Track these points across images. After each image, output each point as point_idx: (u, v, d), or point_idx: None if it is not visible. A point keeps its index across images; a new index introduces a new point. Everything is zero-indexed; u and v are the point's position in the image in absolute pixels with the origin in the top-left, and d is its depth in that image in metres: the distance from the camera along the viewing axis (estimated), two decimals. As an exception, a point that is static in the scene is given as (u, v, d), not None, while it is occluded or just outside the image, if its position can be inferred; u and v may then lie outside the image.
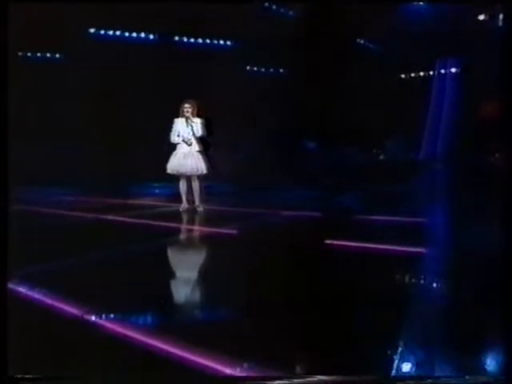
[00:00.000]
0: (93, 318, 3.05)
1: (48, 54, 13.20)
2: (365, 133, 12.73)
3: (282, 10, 13.48)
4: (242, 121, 11.61)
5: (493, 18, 12.55)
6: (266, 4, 13.14)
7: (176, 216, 7.23)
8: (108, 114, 11.71)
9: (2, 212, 2.61)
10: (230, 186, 10.50)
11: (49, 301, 3.33)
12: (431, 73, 14.39)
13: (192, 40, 13.68)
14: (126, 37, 13.28)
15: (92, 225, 6.65)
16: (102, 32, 13.02)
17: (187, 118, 7.44)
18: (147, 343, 2.69)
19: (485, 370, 2.47)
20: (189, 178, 7.53)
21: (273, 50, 12.29)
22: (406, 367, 2.49)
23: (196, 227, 6.90)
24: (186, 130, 7.43)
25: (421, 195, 10.08)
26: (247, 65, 13.99)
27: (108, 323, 3.02)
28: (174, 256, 5.29)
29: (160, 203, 8.73)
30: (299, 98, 12.53)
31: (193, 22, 12.22)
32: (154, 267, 4.54)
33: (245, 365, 2.42)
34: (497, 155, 11.16)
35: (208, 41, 13.74)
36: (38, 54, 13.02)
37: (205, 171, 7.48)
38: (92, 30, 12.90)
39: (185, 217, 7.32)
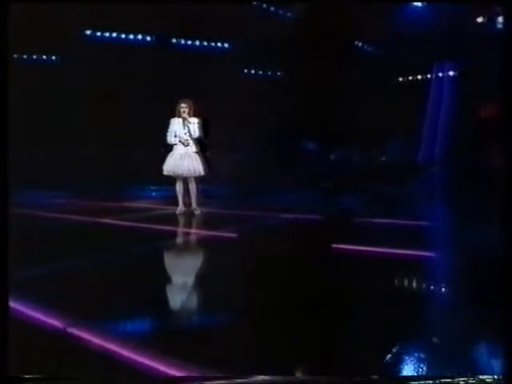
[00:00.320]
0: (82, 327, 2.90)
1: (44, 56, 13.18)
2: (364, 135, 12.70)
3: (280, 12, 13.52)
4: (241, 122, 11.56)
5: (491, 20, 12.60)
6: (264, 5, 13.18)
7: (172, 219, 7.06)
8: (104, 115, 11.66)
9: (2, 213, 2.63)
10: (228, 188, 10.33)
11: (38, 308, 3.20)
12: (430, 75, 14.42)
13: (190, 42, 13.72)
14: (124, 38, 13.19)
15: (86, 228, 6.47)
16: (99, 34, 12.93)
17: (184, 119, 7.28)
18: (143, 351, 2.59)
19: (485, 370, 2.46)
20: (185, 180, 7.36)
21: (272, 52, 12.21)
22: (407, 367, 2.49)
23: (193, 230, 6.70)
24: (183, 130, 7.28)
25: (421, 197, 9.92)
26: (246, 66, 13.96)
27: (102, 330, 2.93)
28: (170, 261, 5.09)
29: (156, 206, 8.57)
30: (299, 99, 12.49)
31: (190, 24, 12.20)
32: (149, 272, 4.34)
33: (250, 371, 2.38)
34: (496, 157, 11.19)
35: (206, 42, 13.74)
36: (34, 57, 13.06)
37: (202, 173, 7.30)
38: (89, 32, 12.93)
39: (181, 220, 7.13)
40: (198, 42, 13.64)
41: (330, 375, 2.38)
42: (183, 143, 7.25)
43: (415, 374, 2.44)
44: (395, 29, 12.67)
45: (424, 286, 4.07)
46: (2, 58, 2.74)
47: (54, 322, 2.96)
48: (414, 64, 13.63)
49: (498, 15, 12.12)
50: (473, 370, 2.43)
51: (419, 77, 14.46)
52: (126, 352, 2.57)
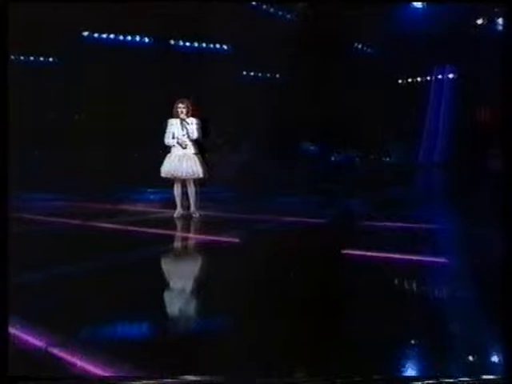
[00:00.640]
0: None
1: (42, 58, 13.16)
2: (364, 136, 12.69)
3: (280, 13, 13.47)
4: (241, 123, 11.51)
5: (491, 23, 12.58)
6: (264, 7, 13.14)
7: (170, 223, 6.82)
8: (102, 116, 11.63)
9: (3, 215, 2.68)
10: (228, 190, 10.09)
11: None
12: (430, 78, 14.44)
13: (188, 43, 13.69)
14: (123, 40, 13.20)
15: (79, 232, 6.21)
16: (97, 35, 12.99)
17: (182, 119, 7.05)
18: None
19: (486, 370, 2.47)
20: (184, 183, 7.14)
21: (272, 53, 12.17)
22: (408, 368, 2.53)
23: (192, 235, 6.43)
24: (181, 131, 7.06)
25: (423, 199, 9.75)
26: (246, 67, 13.92)
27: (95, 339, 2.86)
28: (167, 267, 4.83)
29: (153, 209, 8.34)
30: (300, 101, 12.46)
31: (189, 25, 12.18)
32: (145, 279, 4.10)
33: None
34: (496, 159, 11.14)
35: (205, 44, 13.74)
36: (31, 58, 13.02)
37: (201, 175, 7.08)
38: (86, 33, 12.91)
39: (179, 223, 6.88)
40: (196, 44, 13.63)
41: (332, 376, 2.36)
42: (181, 145, 7.03)
43: (415, 375, 2.45)
44: (396, 31, 12.67)
45: (426, 287, 4.02)
46: (1, 58, 2.72)
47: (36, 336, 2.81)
48: (415, 67, 13.68)
49: (498, 17, 12.12)
50: (473, 371, 2.43)
51: (420, 80, 14.48)
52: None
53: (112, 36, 12.96)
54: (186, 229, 6.75)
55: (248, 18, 11.81)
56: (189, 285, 4.25)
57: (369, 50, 14.24)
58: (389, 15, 12.57)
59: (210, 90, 10.33)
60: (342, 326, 3.11)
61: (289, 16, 13.45)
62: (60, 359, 2.54)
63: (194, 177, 7.09)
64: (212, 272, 4.52)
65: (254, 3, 12.72)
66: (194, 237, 6.34)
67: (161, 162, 7.13)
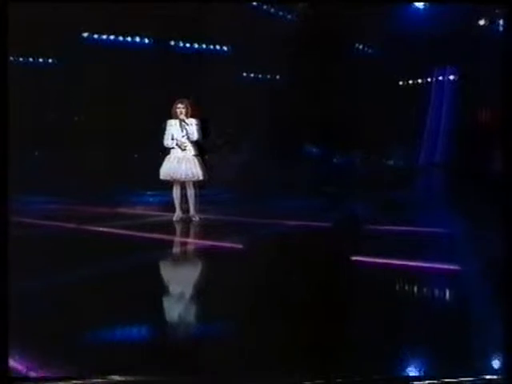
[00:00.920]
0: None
1: (41, 59, 13.02)
2: (365, 138, 12.66)
3: (280, 13, 13.42)
4: (242, 125, 11.46)
5: (492, 23, 12.57)
6: (265, 7, 13.11)
7: (169, 227, 6.64)
8: (100, 118, 11.57)
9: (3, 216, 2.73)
10: (228, 192, 9.93)
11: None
12: (431, 79, 14.43)
13: (188, 44, 13.63)
14: (122, 40, 13.01)
15: (74, 237, 6.01)
16: (97, 36, 12.92)
17: (181, 120, 6.88)
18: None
19: (485, 370, 2.48)
20: (183, 185, 6.96)
21: (273, 54, 12.07)
22: (409, 368, 2.57)
23: (191, 240, 6.22)
24: (180, 132, 6.89)
25: (428, 202, 9.62)
26: (246, 68, 13.84)
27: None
28: (166, 276, 4.62)
29: (152, 212, 8.16)
30: (300, 102, 12.42)
31: (189, 25, 12.13)
32: (142, 287, 3.90)
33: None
34: (497, 160, 11.12)
35: (205, 44, 13.64)
36: (31, 59, 12.92)
37: (201, 177, 6.91)
38: (86, 34, 12.84)
39: (179, 228, 6.70)
40: (196, 44, 13.57)
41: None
42: (180, 146, 6.87)
43: (415, 375, 2.48)
44: (397, 32, 12.67)
45: (442, 297, 4.00)
46: (1, 58, 2.75)
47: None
48: (415, 68, 13.69)
49: (499, 18, 12.11)
50: (473, 371, 2.43)
51: (421, 81, 14.49)
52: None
53: (112, 37, 12.87)
54: (186, 233, 6.56)
55: (248, 19, 11.76)
56: (189, 295, 4.03)
57: (370, 51, 14.21)
58: (390, 15, 12.57)
59: (209, 91, 10.24)
60: (360, 340, 2.96)
61: (289, 16, 13.38)
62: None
63: (193, 179, 6.91)
64: (214, 281, 4.28)
65: (254, 3, 12.70)
66: (193, 242, 6.12)
67: (160, 164, 6.96)
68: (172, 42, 13.27)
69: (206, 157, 7.32)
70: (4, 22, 2.68)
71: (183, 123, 6.90)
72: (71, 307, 3.45)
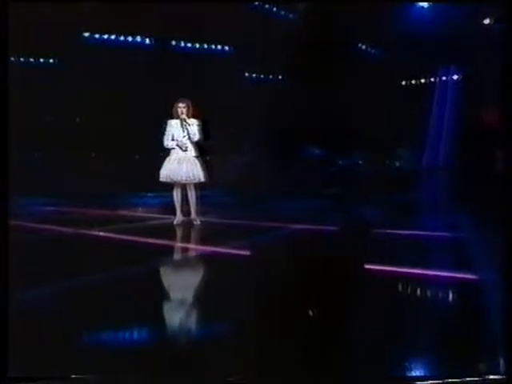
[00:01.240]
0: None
1: (41, 59, 12.87)
2: (368, 139, 12.64)
3: (282, 13, 13.37)
4: (244, 125, 11.40)
5: (496, 23, 12.53)
6: (266, 6, 13.06)
7: (169, 231, 6.43)
8: (97, 118, 11.53)
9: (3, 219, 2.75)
10: (230, 194, 9.82)
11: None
12: (434, 79, 14.41)
13: (189, 44, 13.57)
14: (123, 41, 12.89)
15: (71, 242, 5.81)
16: (98, 36, 12.85)
17: (182, 120, 6.68)
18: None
19: (485, 370, 2.51)
20: (184, 187, 6.77)
21: (275, 54, 11.98)
22: (410, 368, 2.59)
23: (193, 246, 5.99)
24: (181, 133, 6.70)
25: (438, 205, 9.52)
26: (248, 69, 13.76)
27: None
28: (167, 284, 4.37)
29: (152, 215, 7.95)
30: (305, 103, 12.39)
31: (190, 25, 12.06)
32: (140, 296, 3.69)
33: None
34: (501, 161, 11.04)
35: (206, 45, 13.56)
36: (31, 59, 12.83)
37: (202, 179, 6.71)
38: (87, 34, 12.79)
39: (179, 232, 6.50)
40: (197, 45, 13.53)
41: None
42: (181, 147, 6.69)
43: (416, 375, 2.51)
44: (400, 32, 12.63)
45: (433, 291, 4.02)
46: (1, 58, 2.78)
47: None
48: (419, 68, 13.67)
49: (503, 18, 12.05)
50: (473, 371, 2.47)
51: (424, 81, 14.47)
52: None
53: (113, 37, 12.84)
54: (187, 238, 6.36)
55: (250, 19, 11.73)
56: (192, 307, 3.77)
57: (374, 51, 14.21)
58: (394, 15, 12.56)
59: (211, 92, 10.21)
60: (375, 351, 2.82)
61: (291, 16, 13.37)
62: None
63: (194, 181, 6.72)
64: (218, 291, 3.96)
65: (255, 3, 12.66)
66: (196, 248, 5.85)
67: (161, 165, 6.80)
68: (174, 43, 13.25)
69: (208, 158, 7.24)
70: (4, 22, 2.65)
71: (184, 123, 6.71)
72: (69, 314, 3.35)
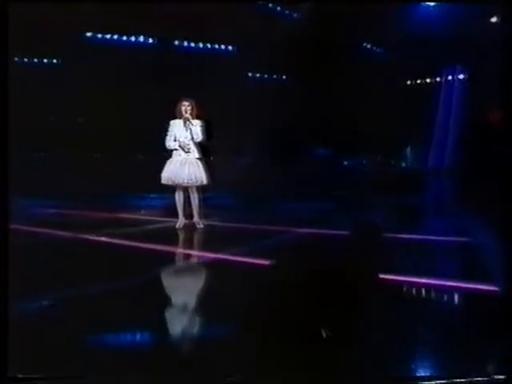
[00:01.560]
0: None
1: (44, 59, 12.82)
2: (377, 141, 12.64)
3: (286, 12, 13.39)
4: (248, 126, 11.39)
5: (504, 22, 12.49)
6: (270, 5, 13.09)
7: (171, 235, 6.30)
8: (99, 119, 11.58)
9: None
10: (233, 196, 9.74)
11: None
12: (440, 79, 14.41)
13: (193, 44, 13.60)
14: (126, 41, 12.90)
15: (69, 247, 5.66)
16: (100, 36, 12.86)
17: (186, 120, 6.57)
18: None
19: (485, 370, 2.56)
20: (186, 189, 6.66)
21: (280, 54, 11.82)
22: (413, 368, 2.64)
23: (196, 251, 5.80)
24: (184, 133, 6.60)
25: (450, 209, 9.31)
26: (251, 69, 13.79)
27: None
28: (167, 291, 4.21)
29: (154, 218, 7.80)
30: (309, 104, 12.41)
31: (193, 25, 12.10)
32: (138, 302, 3.57)
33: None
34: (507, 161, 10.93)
35: (209, 44, 13.63)
36: (33, 59, 12.74)
37: (205, 181, 6.60)
38: (89, 34, 12.83)
39: (182, 236, 6.36)
40: (201, 44, 13.57)
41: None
42: (184, 148, 6.57)
43: (416, 375, 2.55)
44: (405, 32, 12.62)
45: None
46: (1, 58, 2.82)
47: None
48: (424, 69, 13.66)
49: (509, 17, 11.98)
50: (473, 371, 2.49)
51: (430, 81, 14.47)
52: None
53: (114, 37, 12.91)
54: (189, 243, 6.21)
55: (253, 18, 11.77)
56: (196, 315, 3.59)
57: (378, 51, 14.26)
58: (399, 15, 12.58)
59: (214, 92, 10.21)
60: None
61: (295, 15, 13.40)
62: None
63: (197, 184, 6.60)
64: (226, 302, 3.73)
65: (258, 3, 12.71)
66: (199, 255, 5.60)
67: (163, 165, 6.72)
68: (177, 42, 13.30)
69: (211, 158, 7.21)
70: (4, 22, 2.68)
71: (188, 123, 6.58)
72: (68, 314, 3.37)
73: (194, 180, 6.64)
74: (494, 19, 12.54)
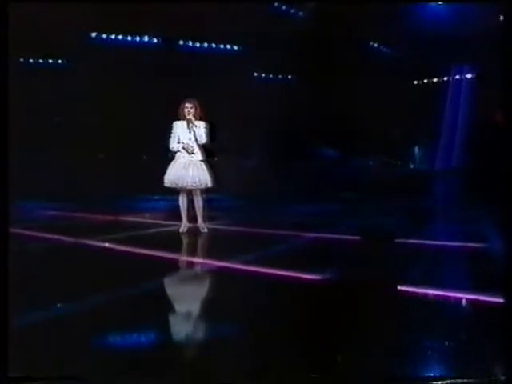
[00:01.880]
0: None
1: (47, 59, 12.85)
2: (386, 142, 12.64)
3: (292, 11, 13.40)
4: (253, 127, 11.41)
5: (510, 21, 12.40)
6: (276, 4, 13.12)
7: (174, 240, 6.16)
8: (99, 119, 11.63)
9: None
10: (237, 199, 9.62)
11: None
12: (448, 79, 14.39)
13: (197, 44, 13.62)
14: (130, 41, 12.91)
15: (68, 253, 5.54)
16: (104, 36, 12.83)
17: (189, 121, 6.45)
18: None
19: (485, 370, 2.53)
20: (190, 192, 6.53)
21: (286, 54, 11.89)
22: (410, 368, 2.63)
23: (201, 260, 5.52)
24: (188, 135, 6.49)
25: (463, 211, 9.15)
26: (257, 69, 13.83)
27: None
28: (170, 298, 4.05)
29: (157, 221, 7.70)
30: (316, 104, 12.41)
31: (197, 25, 12.14)
32: (138, 315, 3.38)
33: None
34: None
35: (214, 44, 13.64)
36: (34, 59, 12.74)
37: (209, 184, 6.47)
38: (94, 34, 12.85)
39: (185, 241, 6.21)
40: (206, 44, 13.61)
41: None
42: (187, 150, 6.46)
43: (416, 376, 2.57)
44: (412, 32, 12.61)
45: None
46: (1, 58, 2.82)
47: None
48: (431, 68, 13.65)
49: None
50: (473, 371, 2.51)
51: (437, 81, 14.46)
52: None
53: (120, 37, 12.97)
54: (193, 249, 6.05)
55: (257, 18, 11.79)
56: (199, 324, 3.41)
57: (385, 50, 14.28)
58: (407, 14, 12.60)
59: (219, 92, 10.21)
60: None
61: (300, 14, 13.42)
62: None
63: (201, 187, 6.46)
64: (225, 307, 3.57)
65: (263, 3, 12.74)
66: (203, 262, 5.37)
67: (166, 167, 6.61)
68: (181, 42, 13.34)
69: (216, 159, 7.18)
70: (4, 22, 2.70)
71: (191, 124, 6.47)
72: (69, 314, 3.37)
73: (198, 183, 6.52)
74: (501, 18, 12.51)
